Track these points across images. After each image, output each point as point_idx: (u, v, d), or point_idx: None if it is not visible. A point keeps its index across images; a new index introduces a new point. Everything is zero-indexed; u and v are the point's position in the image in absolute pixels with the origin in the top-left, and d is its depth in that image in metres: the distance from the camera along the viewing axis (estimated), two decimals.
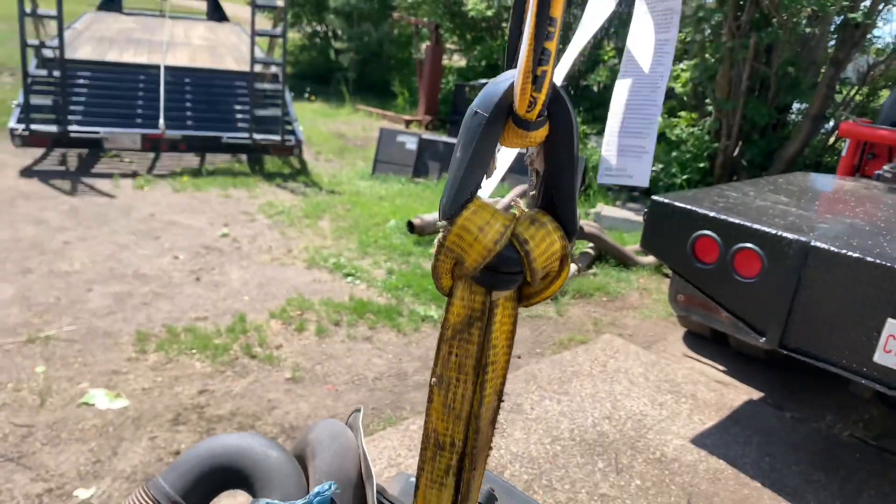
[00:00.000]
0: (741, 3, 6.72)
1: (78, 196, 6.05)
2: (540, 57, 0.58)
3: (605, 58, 10.71)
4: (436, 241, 0.68)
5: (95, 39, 9.36)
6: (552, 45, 0.60)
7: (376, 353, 3.87)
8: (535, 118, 0.63)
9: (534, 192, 0.72)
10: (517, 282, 0.70)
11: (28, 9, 6.56)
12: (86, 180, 6.53)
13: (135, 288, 4.35)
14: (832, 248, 2.66)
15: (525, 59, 0.59)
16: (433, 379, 0.73)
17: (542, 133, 0.65)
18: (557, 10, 0.58)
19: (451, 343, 0.72)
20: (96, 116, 7.21)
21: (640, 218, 4.46)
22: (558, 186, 0.70)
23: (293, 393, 3.38)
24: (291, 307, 4.27)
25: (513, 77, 0.61)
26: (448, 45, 13.51)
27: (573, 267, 5.04)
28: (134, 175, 6.88)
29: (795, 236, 2.77)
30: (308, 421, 3.15)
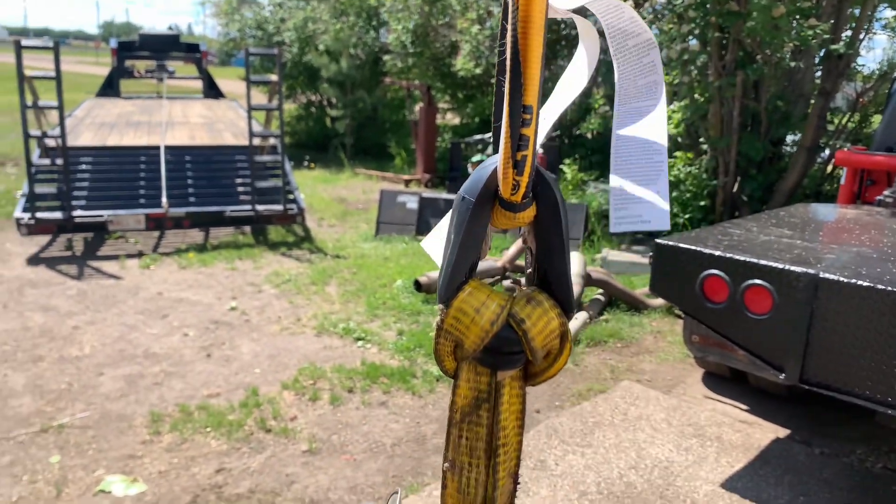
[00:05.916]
0: (724, 42, 6.87)
1: (85, 280, 6.09)
2: (518, 143, 0.60)
3: (596, 105, 10.89)
4: (434, 323, 0.67)
5: (96, 125, 9.57)
6: (529, 132, 0.62)
7: (393, 417, 3.82)
8: (520, 200, 0.64)
9: (529, 269, 0.72)
10: (520, 361, 0.69)
11: (29, 101, 6.73)
12: (92, 264, 6.58)
13: (145, 368, 4.33)
14: (842, 279, 2.64)
15: (504, 146, 0.60)
16: (445, 464, 0.71)
17: (529, 213, 0.66)
18: (531, 99, 0.60)
19: (461, 426, 0.70)
20: (100, 200, 7.32)
21: (646, 260, 4.47)
22: (551, 264, 0.70)
23: (311, 465, 3.32)
24: (304, 377, 4.24)
25: (496, 162, 0.62)
26: (441, 105, 13.77)
27: (585, 314, 5.00)
28: (139, 255, 6.93)
29: (803, 269, 2.75)
30: (329, 494, 3.09)
